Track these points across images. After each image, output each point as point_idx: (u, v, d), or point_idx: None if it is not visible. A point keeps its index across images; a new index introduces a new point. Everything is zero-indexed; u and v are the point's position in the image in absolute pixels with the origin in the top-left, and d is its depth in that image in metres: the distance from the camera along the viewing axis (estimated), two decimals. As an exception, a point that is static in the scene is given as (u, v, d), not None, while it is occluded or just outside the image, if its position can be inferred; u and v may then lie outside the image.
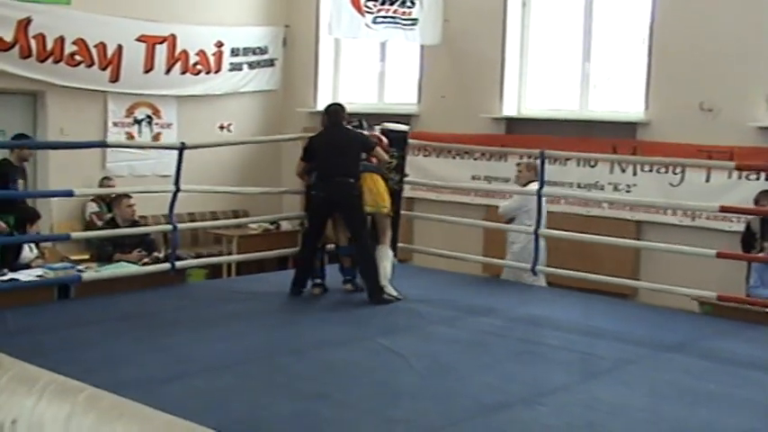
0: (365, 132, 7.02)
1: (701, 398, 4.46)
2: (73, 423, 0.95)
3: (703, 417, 4.17)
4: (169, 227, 7.03)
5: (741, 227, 7.30)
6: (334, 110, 6.93)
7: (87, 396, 1.00)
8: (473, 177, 8.83)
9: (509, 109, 9.08)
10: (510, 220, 7.45)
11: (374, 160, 6.87)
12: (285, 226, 9.92)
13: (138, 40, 9.40)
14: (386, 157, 6.99)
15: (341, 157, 6.59)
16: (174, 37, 9.67)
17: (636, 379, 4.80)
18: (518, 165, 7.74)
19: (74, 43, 8.94)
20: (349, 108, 10.29)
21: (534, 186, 7.15)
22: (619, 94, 8.56)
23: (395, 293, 6.53)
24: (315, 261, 6.81)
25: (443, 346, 5.37)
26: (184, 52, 9.81)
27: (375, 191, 6.76)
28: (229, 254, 9.23)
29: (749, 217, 7.15)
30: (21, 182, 7.64)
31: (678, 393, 4.51)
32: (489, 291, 7.29)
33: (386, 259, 6.68)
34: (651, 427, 4.03)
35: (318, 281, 6.81)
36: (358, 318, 6.10)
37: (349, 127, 6.89)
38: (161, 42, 9.59)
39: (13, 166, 7.63)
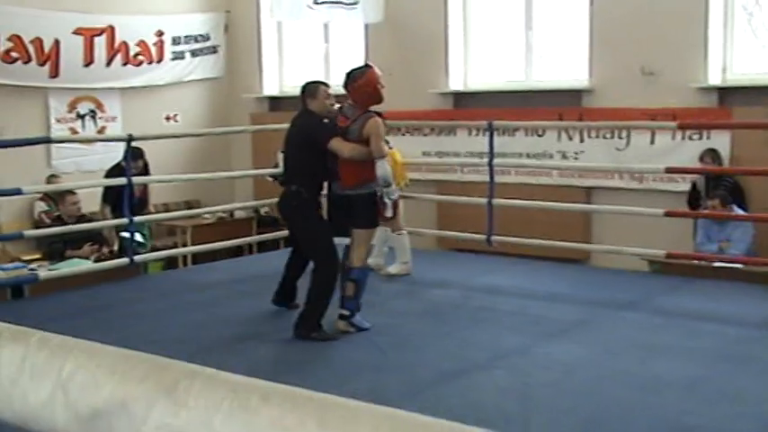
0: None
1: (652, 351, 4.58)
2: (27, 363, 1.01)
3: (655, 369, 4.28)
4: (124, 220, 6.94)
5: (687, 186, 7.46)
6: (302, 89, 5.53)
7: (39, 338, 1.05)
8: (423, 153, 8.87)
9: (455, 83, 9.13)
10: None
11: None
12: (239, 214, 9.89)
13: (75, 33, 9.21)
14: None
15: (287, 157, 5.45)
16: (112, 28, 9.51)
17: (589, 338, 4.90)
18: None
19: (9, 39, 8.73)
20: (295, 92, 10.38)
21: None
22: (563, 63, 8.65)
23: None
24: (293, 277, 5.71)
25: (402, 319, 5.43)
26: (124, 43, 9.66)
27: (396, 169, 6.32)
28: (184, 244, 9.18)
29: (694, 176, 7.31)
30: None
31: (630, 349, 4.63)
32: (444, 264, 7.37)
33: (401, 243, 6.73)
34: (604, 383, 4.12)
35: (345, 312, 5.23)
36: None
37: (312, 112, 5.36)
38: (99, 34, 9.42)
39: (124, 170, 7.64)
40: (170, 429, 0.85)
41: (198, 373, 0.90)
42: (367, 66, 5.58)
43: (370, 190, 5.20)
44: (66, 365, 0.97)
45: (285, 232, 8.42)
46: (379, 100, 5.39)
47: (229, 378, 0.90)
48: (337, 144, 5.14)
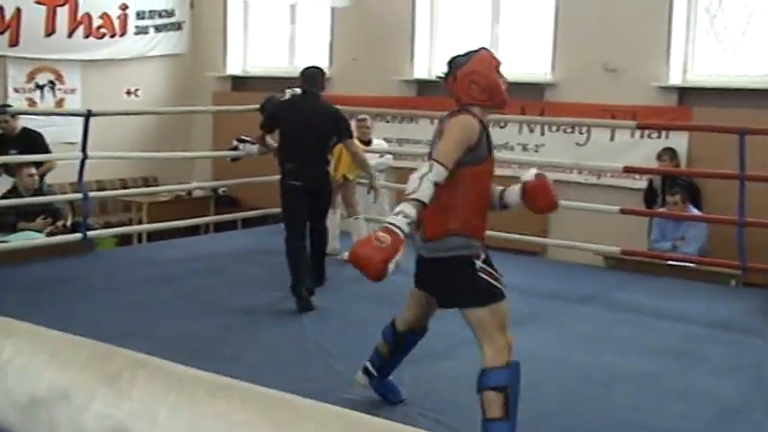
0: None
1: (605, 345, 4.64)
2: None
3: (607, 362, 4.35)
4: (79, 195, 6.85)
5: (644, 184, 7.56)
6: (312, 74, 5.70)
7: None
8: (385, 140, 8.85)
9: (420, 71, 9.11)
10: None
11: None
12: (197, 192, 9.79)
13: (38, 2, 9.01)
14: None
15: (314, 139, 5.54)
16: (75, -1, 9.34)
17: (543, 331, 4.95)
18: (364, 121, 7.92)
19: (-32, 6, 8.54)
20: (258, 72, 10.31)
21: (377, 141, 8.07)
22: (527, 56, 8.67)
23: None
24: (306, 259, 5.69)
25: (356, 305, 5.42)
26: (87, 15, 9.47)
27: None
28: (139, 221, 9.06)
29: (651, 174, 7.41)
30: (14, 152, 7.43)
31: (583, 342, 4.68)
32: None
33: (363, 228, 6.73)
34: (556, 374, 4.17)
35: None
36: (271, 280, 6.08)
37: (321, 97, 5.74)
38: (62, 5, 9.22)
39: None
40: (111, 421, 0.82)
41: (143, 362, 0.88)
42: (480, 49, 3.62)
43: (460, 252, 3.42)
44: (6, 349, 0.94)
45: (244, 213, 8.43)
46: (497, 98, 3.50)
47: (175, 369, 0.88)
48: (358, 144, 5.83)
